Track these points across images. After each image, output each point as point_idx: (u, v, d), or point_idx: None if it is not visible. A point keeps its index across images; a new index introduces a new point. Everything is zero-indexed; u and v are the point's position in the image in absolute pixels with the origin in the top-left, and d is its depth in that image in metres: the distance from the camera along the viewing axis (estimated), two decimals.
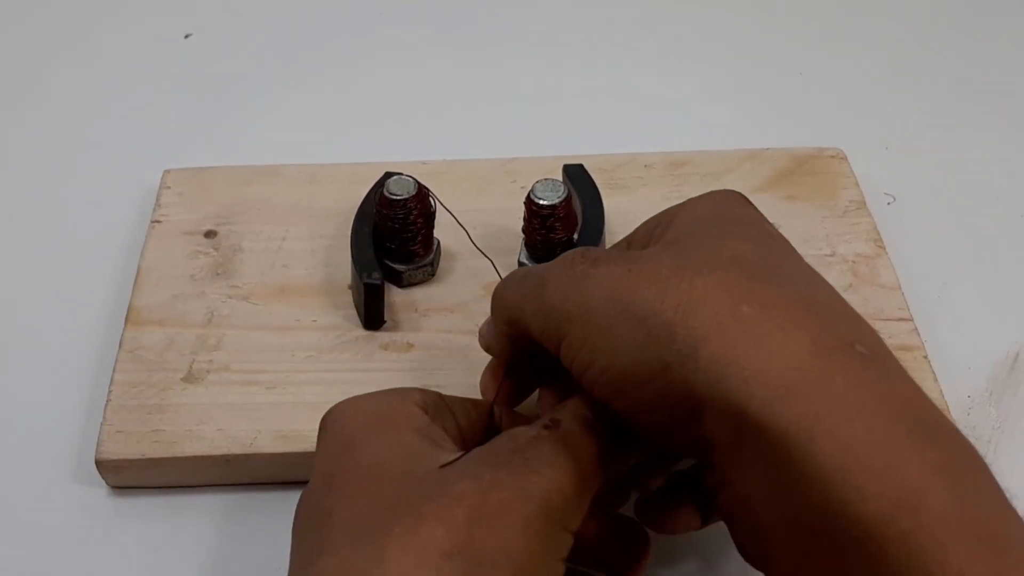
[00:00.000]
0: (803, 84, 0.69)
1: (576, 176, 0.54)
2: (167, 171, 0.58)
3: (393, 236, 0.51)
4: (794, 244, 0.55)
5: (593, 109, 0.67)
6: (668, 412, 0.32)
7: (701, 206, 0.38)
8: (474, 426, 0.38)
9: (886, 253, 0.54)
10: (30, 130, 0.65)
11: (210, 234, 0.55)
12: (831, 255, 0.54)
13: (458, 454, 0.33)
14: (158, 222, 0.55)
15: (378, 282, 0.49)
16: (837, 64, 0.71)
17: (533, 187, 0.50)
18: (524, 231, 0.51)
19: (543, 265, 0.37)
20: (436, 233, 0.52)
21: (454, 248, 0.54)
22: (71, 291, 0.55)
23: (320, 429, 0.37)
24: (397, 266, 0.51)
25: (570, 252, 0.36)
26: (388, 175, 0.52)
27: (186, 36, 0.72)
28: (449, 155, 0.59)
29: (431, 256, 0.52)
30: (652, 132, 0.64)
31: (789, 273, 0.35)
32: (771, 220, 0.56)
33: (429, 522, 0.30)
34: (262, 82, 0.69)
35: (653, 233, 0.38)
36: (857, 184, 0.57)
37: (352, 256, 0.51)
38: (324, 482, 0.34)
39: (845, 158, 0.59)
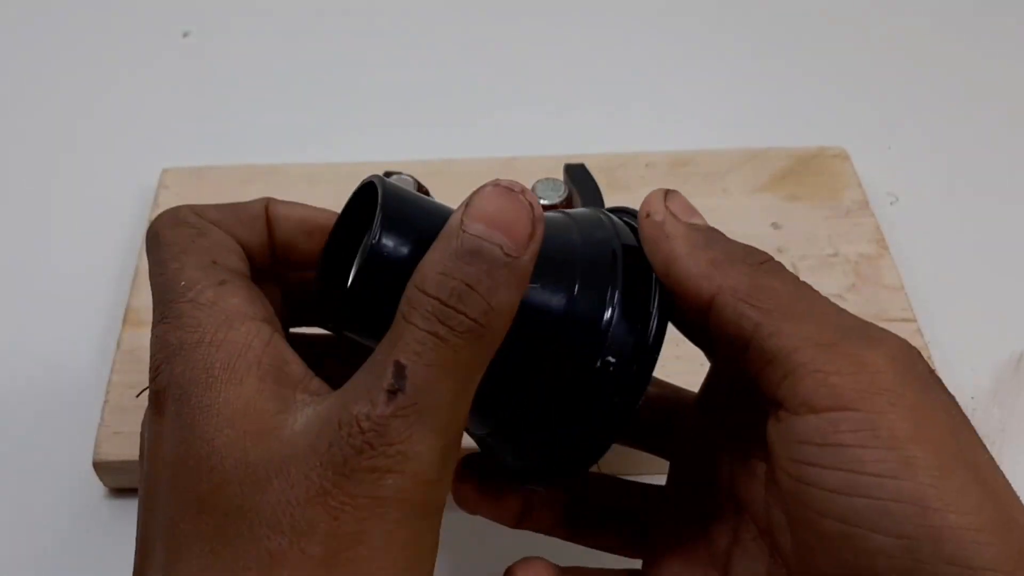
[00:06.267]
0: (806, 83, 0.69)
1: (577, 175, 0.54)
2: (165, 170, 0.58)
3: None
4: (796, 244, 0.55)
5: (594, 108, 0.66)
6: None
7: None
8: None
9: (889, 253, 0.53)
10: (28, 129, 0.65)
11: None
12: (834, 255, 0.53)
13: (302, 403, 0.28)
14: None
15: None
16: (840, 63, 0.70)
17: (534, 186, 0.50)
18: None
19: None
20: None
21: None
22: (68, 291, 0.55)
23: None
24: None
25: None
26: (388, 175, 0.51)
27: (184, 34, 0.72)
28: (449, 155, 0.59)
29: None
30: (654, 131, 0.64)
31: None
32: (773, 220, 0.56)
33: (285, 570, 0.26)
34: (262, 81, 0.69)
35: None
36: (860, 184, 0.57)
37: None
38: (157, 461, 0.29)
39: (848, 157, 0.59)
